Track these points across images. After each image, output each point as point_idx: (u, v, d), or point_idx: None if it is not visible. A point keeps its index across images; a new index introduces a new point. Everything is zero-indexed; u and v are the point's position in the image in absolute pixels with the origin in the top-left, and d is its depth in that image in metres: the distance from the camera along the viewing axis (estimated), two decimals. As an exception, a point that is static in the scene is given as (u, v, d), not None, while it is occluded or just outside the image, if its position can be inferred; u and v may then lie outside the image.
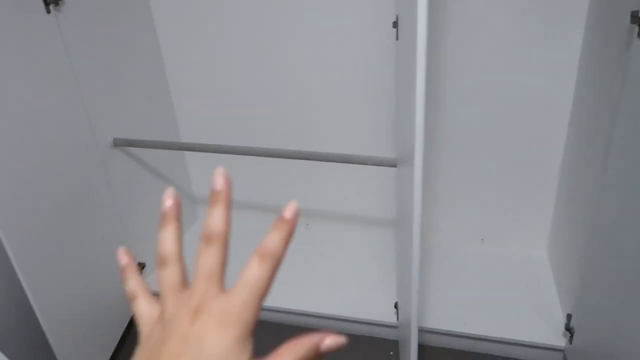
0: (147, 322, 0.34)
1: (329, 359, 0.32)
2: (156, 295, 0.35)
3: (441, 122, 1.48)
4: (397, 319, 1.43)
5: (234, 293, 0.31)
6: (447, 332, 1.42)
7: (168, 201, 0.35)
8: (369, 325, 1.49)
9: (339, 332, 0.31)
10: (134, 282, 0.37)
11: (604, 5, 1.11)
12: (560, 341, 1.35)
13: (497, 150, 1.52)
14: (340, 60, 1.48)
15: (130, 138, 1.44)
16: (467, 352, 1.44)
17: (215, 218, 0.33)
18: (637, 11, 0.84)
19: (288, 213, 0.33)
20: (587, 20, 1.23)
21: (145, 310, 0.35)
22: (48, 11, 1.13)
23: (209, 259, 0.32)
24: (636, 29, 0.85)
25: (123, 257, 0.38)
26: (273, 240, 0.32)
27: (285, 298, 1.48)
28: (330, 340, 0.31)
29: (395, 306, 1.43)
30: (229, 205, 0.33)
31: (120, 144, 1.42)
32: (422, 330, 1.40)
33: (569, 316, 1.30)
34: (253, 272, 0.31)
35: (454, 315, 1.44)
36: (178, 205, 0.35)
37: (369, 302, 1.51)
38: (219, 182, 0.34)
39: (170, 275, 0.33)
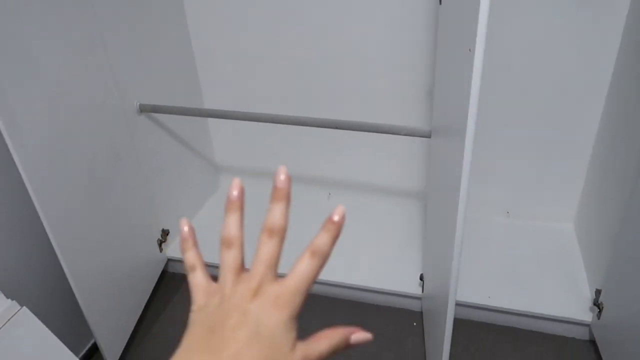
0: (203, 293, 0.37)
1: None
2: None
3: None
4: (422, 291, 1.42)
5: (287, 281, 0.35)
6: (471, 304, 1.41)
7: (234, 191, 0.38)
8: (392, 296, 1.49)
9: (365, 330, 0.37)
10: (194, 254, 0.40)
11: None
12: (587, 316, 1.34)
13: (525, 121, 1.48)
14: (370, 24, 1.44)
15: (155, 103, 1.42)
16: (491, 324, 1.43)
17: (278, 214, 0.37)
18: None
19: (336, 216, 0.37)
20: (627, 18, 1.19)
21: (202, 282, 0.38)
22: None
23: (269, 249, 0.36)
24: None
25: (184, 228, 0.40)
26: (323, 240, 0.37)
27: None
28: (359, 335, 0.37)
29: (421, 278, 1.42)
30: (289, 202, 0.38)
31: (146, 109, 1.41)
32: (446, 302, 1.40)
33: (597, 292, 1.29)
34: (304, 265, 0.36)
35: (478, 287, 1.44)
36: (242, 195, 0.39)
37: (392, 273, 1.50)
38: (281, 179, 0.37)
39: (233, 257, 0.37)
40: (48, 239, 1.08)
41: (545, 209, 1.64)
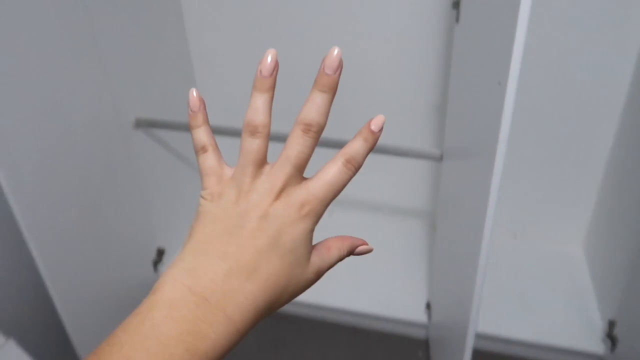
0: (215, 179, 0.34)
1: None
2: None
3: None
4: (429, 319, 1.36)
5: (314, 186, 0.32)
6: (478, 333, 1.36)
7: (268, 65, 0.32)
8: (396, 323, 1.43)
9: (368, 244, 0.38)
10: (205, 132, 0.35)
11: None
12: (599, 347, 1.28)
13: (533, 139, 1.43)
14: (376, 37, 1.38)
15: (153, 118, 1.36)
16: (498, 354, 1.38)
17: (318, 107, 0.32)
18: None
19: (375, 126, 0.34)
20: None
21: (214, 165, 0.34)
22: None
23: (302, 147, 0.32)
24: None
25: (195, 101, 0.35)
26: (359, 149, 0.33)
27: (308, 291, 1.42)
28: (364, 247, 0.38)
29: (428, 305, 1.37)
30: (334, 95, 0.33)
31: (143, 124, 1.35)
32: (453, 330, 1.34)
33: (611, 323, 1.23)
34: (336, 173, 0.32)
35: (485, 315, 1.38)
36: (276, 72, 0.33)
37: (396, 298, 1.44)
38: (332, 65, 0.32)
39: (256, 145, 0.32)
40: (36, 265, 1.01)
41: (553, 231, 1.59)
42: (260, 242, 0.30)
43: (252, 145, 0.33)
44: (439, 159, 1.11)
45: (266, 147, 0.33)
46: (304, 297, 1.40)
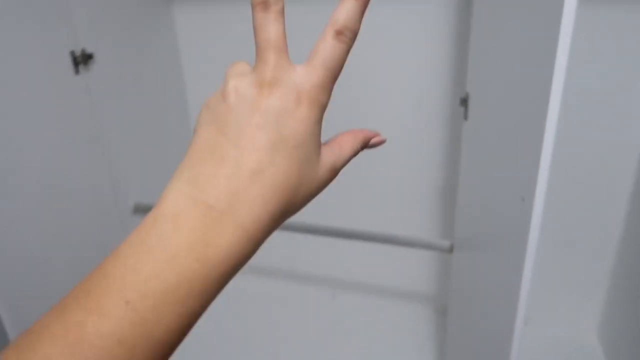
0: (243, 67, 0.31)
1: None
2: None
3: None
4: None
5: (312, 72, 0.29)
6: None
7: None
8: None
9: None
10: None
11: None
12: None
13: (546, 222, 1.39)
14: (383, 129, 1.38)
15: (152, 203, 1.32)
16: None
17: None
18: None
19: None
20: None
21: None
22: (77, 72, 1.04)
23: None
24: None
25: None
26: (349, 12, 0.28)
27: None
28: (378, 139, 0.36)
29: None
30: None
31: (142, 209, 1.31)
32: None
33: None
34: (330, 50, 0.29)
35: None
36: None
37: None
38: None
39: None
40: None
41: (566, 317, 1.53)
42: (259, 140, 0.27)
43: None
44: (449, 251, 1.07)
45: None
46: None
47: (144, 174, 1.34)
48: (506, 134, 0.65)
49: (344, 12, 0.29)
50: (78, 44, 1.04)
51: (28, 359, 0.23)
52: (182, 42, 1.44)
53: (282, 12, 0.29)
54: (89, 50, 1.07)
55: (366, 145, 0.35)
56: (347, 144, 0.33)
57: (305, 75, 0.29)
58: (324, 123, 0.30)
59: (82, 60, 1.05)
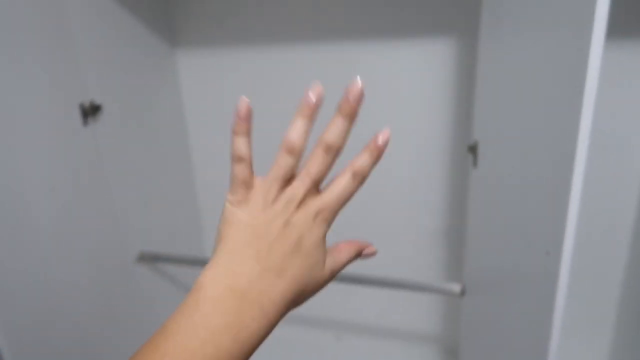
0: (244, 188, 0.37)
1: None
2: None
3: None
4: None
5: (327, 197, 0.37)
6: None
7: (314, 96, 0.37)
8: None
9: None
10: (245, 144, 0.38)
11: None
12: None
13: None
14: (384, 175, 1.38)
15: (157, 251, 1.32)
16: None
17: (340, 131, 0.36)
18: None
19: (381, 140, 0.38)
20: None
21: (246, 176, 0.37)
22: (85, 123, 1.05)
23: (323, 166, 0.37)
24: None
25: (244, 108, 0.39)
26: (365, 162, 0.37)
27: None
28: (369, 250, 0.42)
29: None
30: (354, 121, 0.37)
31: (147, 258, 1.30)
32: None
33: None
34: (345, 185, 0.37)
35: None
36: (319, 105, 0.37)
37: None
38: (355, 94, 0.36)
39: (290, 164, 0.36)
40: None
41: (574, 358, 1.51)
42: (285, 247, 0.35)
43: (287, 161, 0.36)
44: (460, 294, 1.07)
45: (297, 165, 0.37)
46: None
47: (149, 223, 1.33)
48: (524, 184, 0.65)
49: (361, 162, 0.37)
50: (87, 95, 1.05)
51: None
52: (185, 90, 1.46)
53: (337, 158, 0.38)
54: (97, 101, 1.08)
55: (360, 254, 0.42)
56: (344, 252, 0.40)
57: (325, 201, 0.37)
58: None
59: (90, 111, 1.06)
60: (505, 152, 0.75)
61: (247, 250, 0.35)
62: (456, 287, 1.08)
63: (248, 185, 0.37)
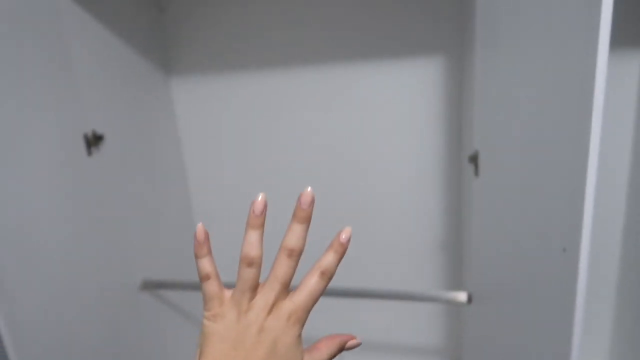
0: (217, 302, 0.39)
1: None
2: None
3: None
4: None
5: (298, 298, 0.39)
6: None
7: (260, 206, 0.39)
8: None
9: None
10: (209, 262, 0.40)
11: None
12: None
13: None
14: (382, 178, 1.41)
15: (158, 279, 1.31)
16: None
17: (298, 236, 0.39)
18: None
19: (344, 237, 0.40)
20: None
21: (217, 291, 0.39)
22: (89, 153, 1.06)
23: (287, 269, 0.39)
24: None
25: (201, 233, 0.41)
26: (331, 260, 0.40)
27: None
28: (353, 342, 0.43)
29: None
30: (309, 224, 0.40)
31: (150, 286, 1.30)
32: None
33: None
34: (314, 284, 0.39)
35: None
36: (266, 212, 0.40)
37: None
38: (306, 201, 0.39)
39: (253, 276, 0.39)
40: None
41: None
42: (260, 352, 0.37)
43: (249, 274, 0.38)
44: (467, 302, 1.09)
45: (259, 274, 0.39)
46: None
47: (151, 251, 1.33)
48: (530, 187, 0.68)
49: (328, 261, 0.39)
50: (88, 125, 1.06)
51: None
52: (181, 118, 1.47)
53: (299, 260, 0.39)
54: (99, 131, 1.09)
55: (343, 348, 0.42)
56: (324, 348, 0.41)
57: (296, 302, 0.38)
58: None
59: (93, 142, 1.07)
60: (507, 160, 0.78)
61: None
62: (462, 296, 1.10)
63: (220, 299, 0.39)
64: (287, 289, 0.39)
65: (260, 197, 0.39)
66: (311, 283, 0.39)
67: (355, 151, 1.39)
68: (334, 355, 0.41)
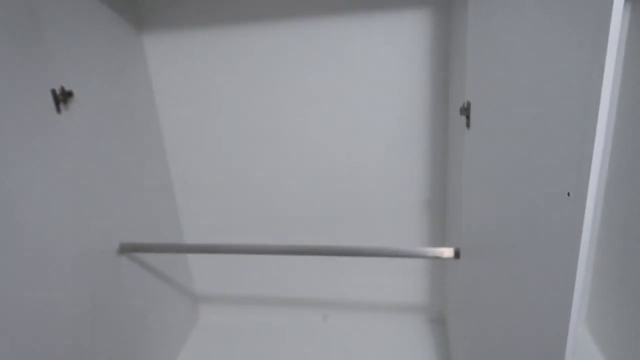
0: None
1: None
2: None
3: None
4: None
5: None
6: None
7: None
8: None
9: None
10: None
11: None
12: None
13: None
14: (367, 138, 1.39)
15: (136, 242, 1.27)
16: None
17: None
18: None
19: None
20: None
21: None
22: (58, 110, 0.99)
23: None
24: None
25: None
26: None
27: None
28: None
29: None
30: None
31: (127, 249, 1.25)
32: None
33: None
34: None
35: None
36: None
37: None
38: None
39: None
40: None
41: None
42: None
43: None
44: (453, 258, 1.08)
45: None
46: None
47: (128, 214, 1.28)
48: (527, 135, 0.66)
49: None
50: (56, 81, 0.99)
51: None
52: (154, 75, 1.41)
53: None
54: (68, 87, 1.02)
55: None
56: None
57: None
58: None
59: (62, 98, 1.00)
60: (502, 109, 0.76)
61: None
62: (449, 252, 1.09)
63: None
64: None
65: None
66: None
67: (338, 107, 1.36)
68: None
